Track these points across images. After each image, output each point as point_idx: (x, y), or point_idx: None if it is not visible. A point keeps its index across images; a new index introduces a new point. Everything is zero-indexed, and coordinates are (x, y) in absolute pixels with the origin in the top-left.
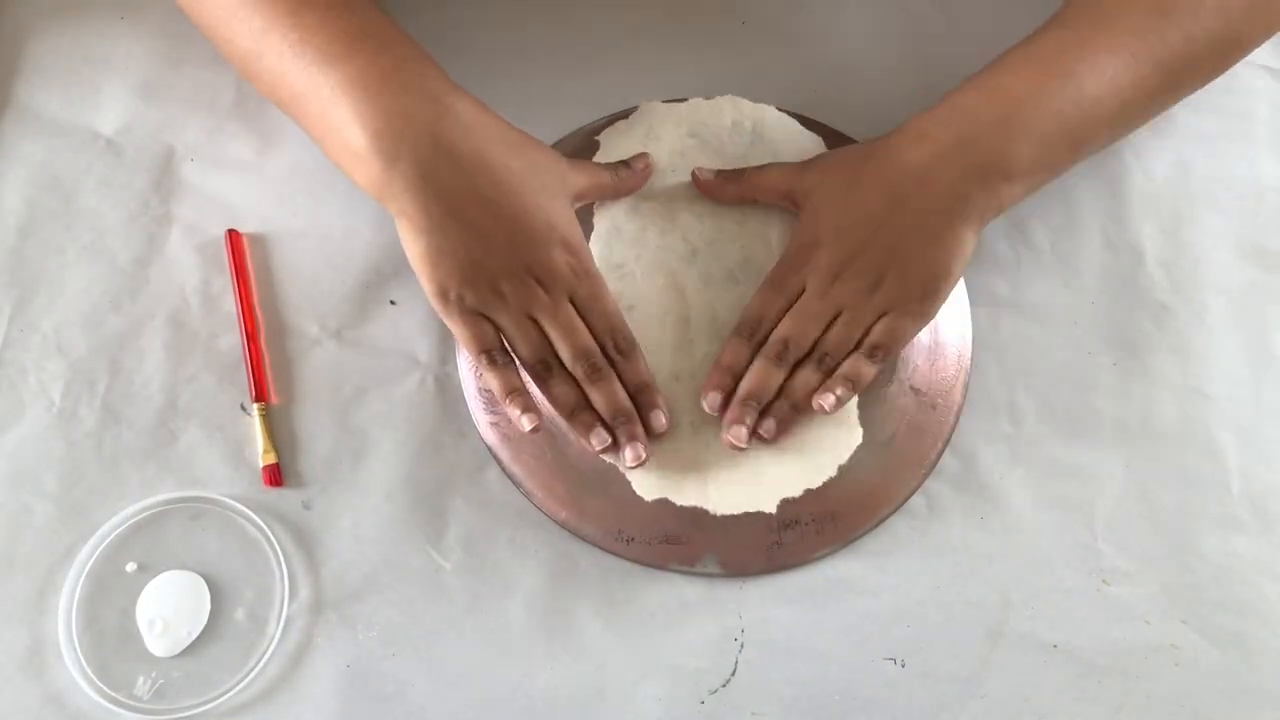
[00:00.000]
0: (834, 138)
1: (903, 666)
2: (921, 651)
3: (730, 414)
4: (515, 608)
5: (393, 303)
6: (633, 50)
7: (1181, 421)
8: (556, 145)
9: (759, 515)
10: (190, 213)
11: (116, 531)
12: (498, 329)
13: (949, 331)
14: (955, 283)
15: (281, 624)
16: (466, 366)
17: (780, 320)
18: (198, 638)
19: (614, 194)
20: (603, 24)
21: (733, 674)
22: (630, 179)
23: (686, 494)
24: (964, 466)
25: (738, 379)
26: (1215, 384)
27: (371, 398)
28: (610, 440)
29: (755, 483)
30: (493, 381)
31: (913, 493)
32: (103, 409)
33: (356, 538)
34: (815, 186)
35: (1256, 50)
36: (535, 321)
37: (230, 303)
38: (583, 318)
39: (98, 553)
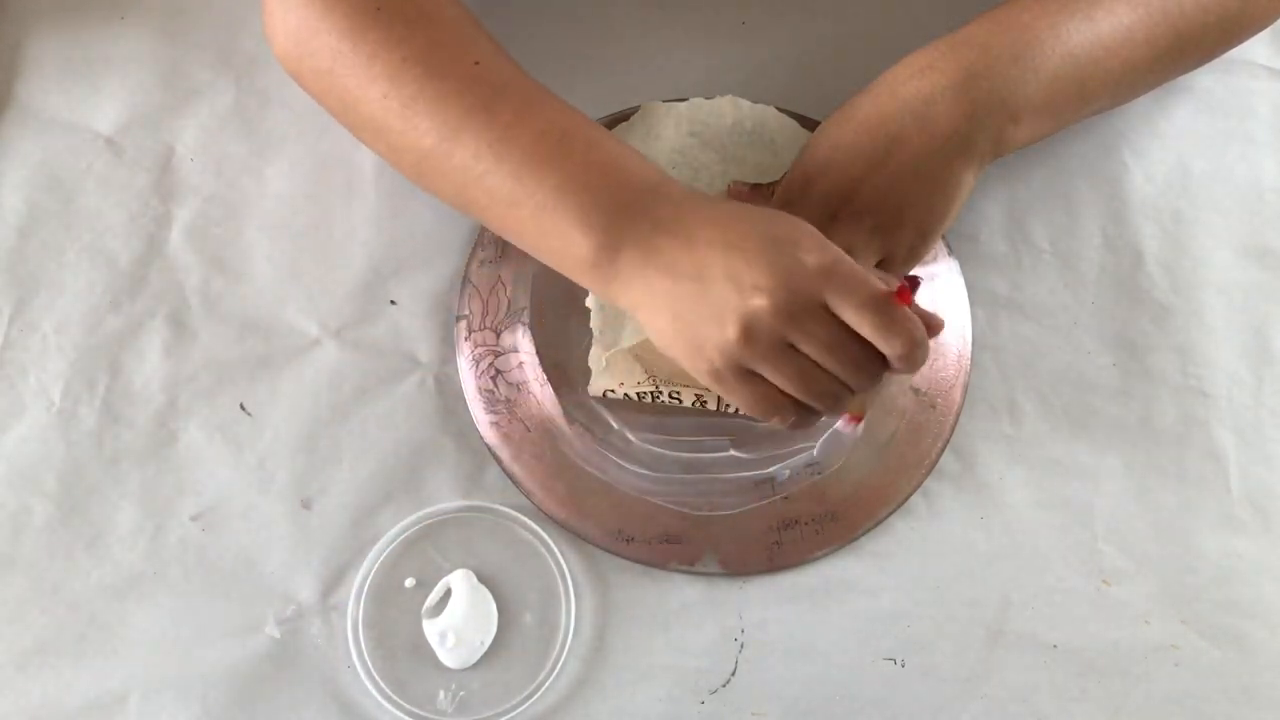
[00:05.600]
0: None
1: (903, 666)
2: (921, 651)
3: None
4: (516, 607)
5: (393, 303)
6: (632, 50)
7: (1181, 421)
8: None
9: (759, 514)
10: (190, 213)
11: (390, 548)
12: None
13: (948, 331)
14: (949, 225)
15: (573, 622)
16: (467, 366)
17: None
18: (490, 646)
19: None
20: (603, 24)
21: (733, 674)
22: None
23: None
24: (964, 466)
25: None
26: (1215, 384)
27: (371, 398)
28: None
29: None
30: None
31: (913, 492)
32: (103, 409)
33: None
34: (817, 132)
35: (1257, 50)
36: (794, 349)
37: (230, 302)
38: (850, 320)
39: (373, 571)
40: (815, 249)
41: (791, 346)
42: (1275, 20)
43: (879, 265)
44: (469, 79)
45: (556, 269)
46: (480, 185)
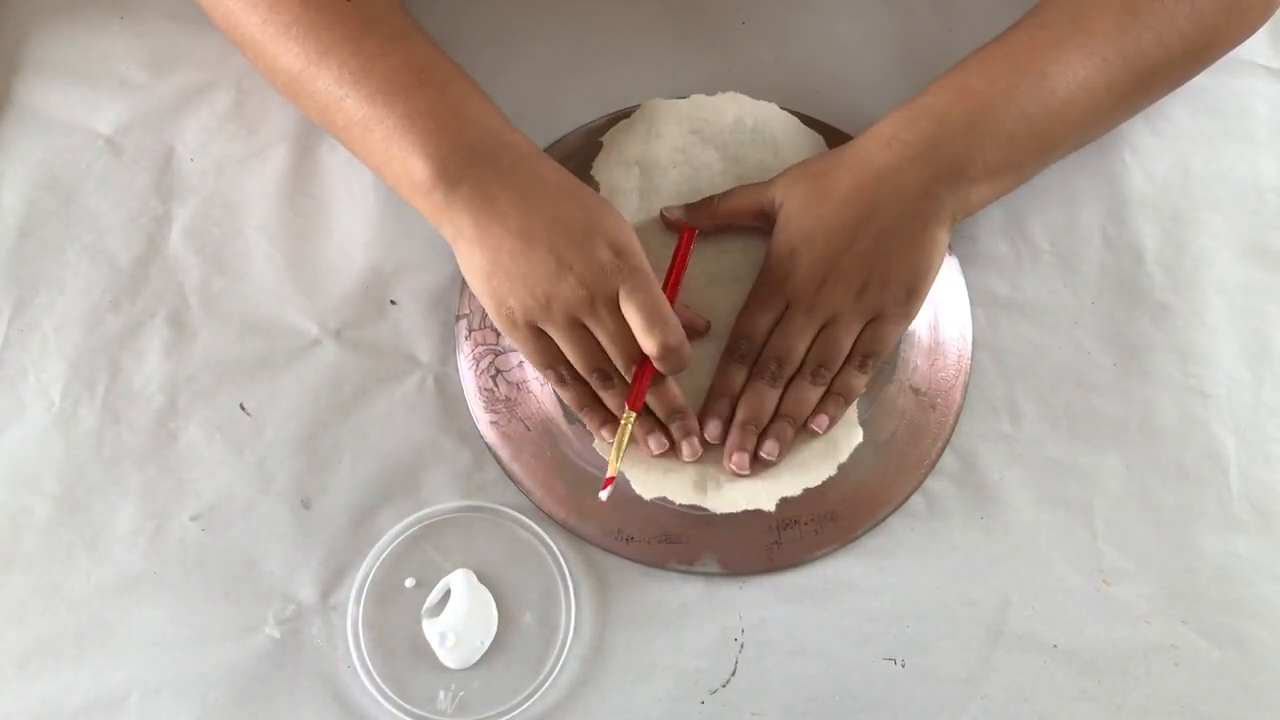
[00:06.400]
0: (834, 137)
1: (903, 666)
2: (921, 651)
3: (731, 440)
4: (516, 607)
5: (393, 303)
6: (633, 50)
7: (1181, 421)
8: (557, 144)
9: (758, 514)
10: (190, 213)
11: (390, 548)
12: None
13: (948, 331)
14: (934, 281)
15: (573, 622)
16: (466, 366)
17: (768, 337)
18: (490, 646)
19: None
20: (603, 24)
21: (733, 674)
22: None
23: (685, 493)
24: (964, 466)
25: (734, 402)
26: (1215, 384)
27: (371, 398)
28: (668, 444)
29: (754, 482)
30: (564, 398)
31: (912, 492)
32: (103, 409)
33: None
34: (786, 199)
35: (1257, 50)
36: (585, 327)
37: (230, 302)
38: (626, 313)
39: (373, 571)
40: (625, 246)
41: (582, 324)
42: (1244, 39)
43: (872, 324)
44: (340, 11)
45: (398, 193)
46: (339, 108)
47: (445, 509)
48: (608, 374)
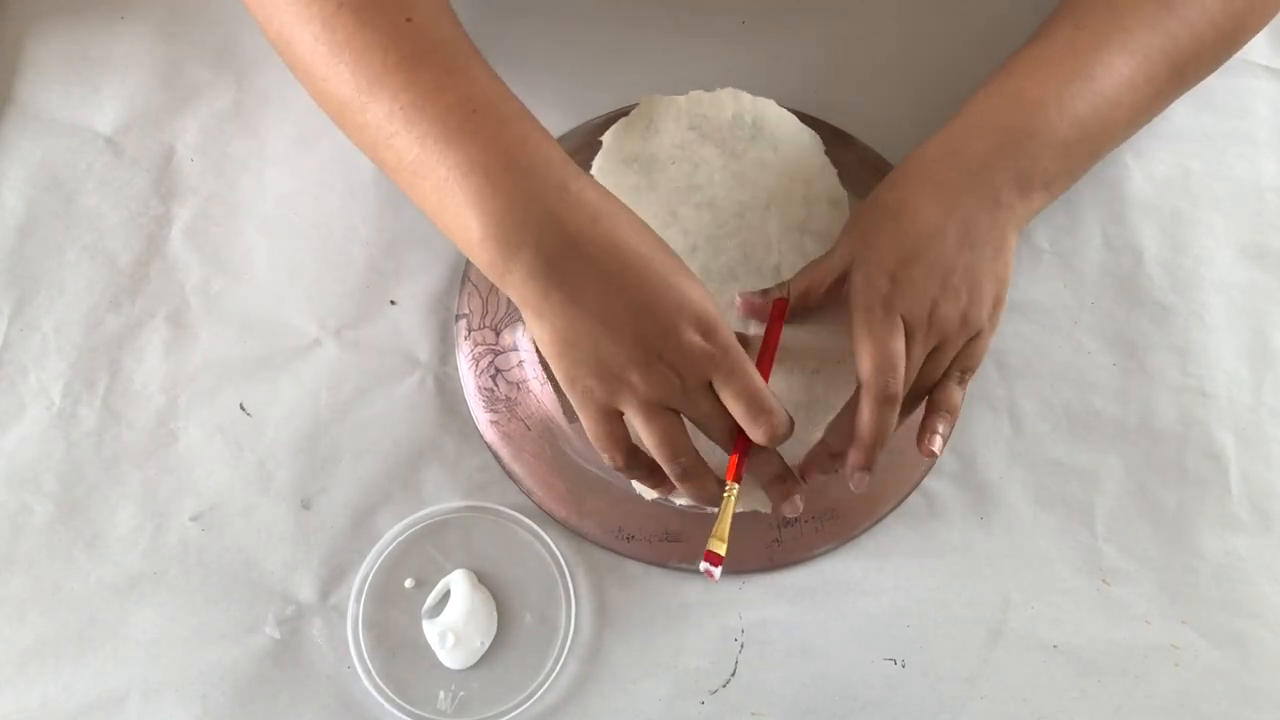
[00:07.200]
0: (833, 135)
1: (903, 666)
2: (921, 651)
3: (855, 462)
4: (516, 607)
5: (393, 303)
6: (633, 49)
7: (1181, 421)
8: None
9: (758, 512)
10: (190, 213)
11: (390, 548)
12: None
13: None
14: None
15: (573, 622)
16: (466, 366)
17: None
18: (490, 646)
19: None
20: (603, 23)
21: (733, 674)
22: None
23: (683, 495)
24: (964, 466)
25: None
26: (1215, 384)
27: (371, 398)
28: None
29: (752, 484)
30: (632, 478)
31: (912, 490)
32: (103, 409)
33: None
34: (859, 241)
35: (1256, 50)
36: (673, 411)
37: (230, 302)
38: (724, 399)
39: (374, 571)
40: (712, 325)
41: (664, 407)
42: (1269, 21)
43: (971, 343)
44: (397, 35)
45: (463, 251)
46: (389, 147)
47: (445, 509)
48: (686, 467)
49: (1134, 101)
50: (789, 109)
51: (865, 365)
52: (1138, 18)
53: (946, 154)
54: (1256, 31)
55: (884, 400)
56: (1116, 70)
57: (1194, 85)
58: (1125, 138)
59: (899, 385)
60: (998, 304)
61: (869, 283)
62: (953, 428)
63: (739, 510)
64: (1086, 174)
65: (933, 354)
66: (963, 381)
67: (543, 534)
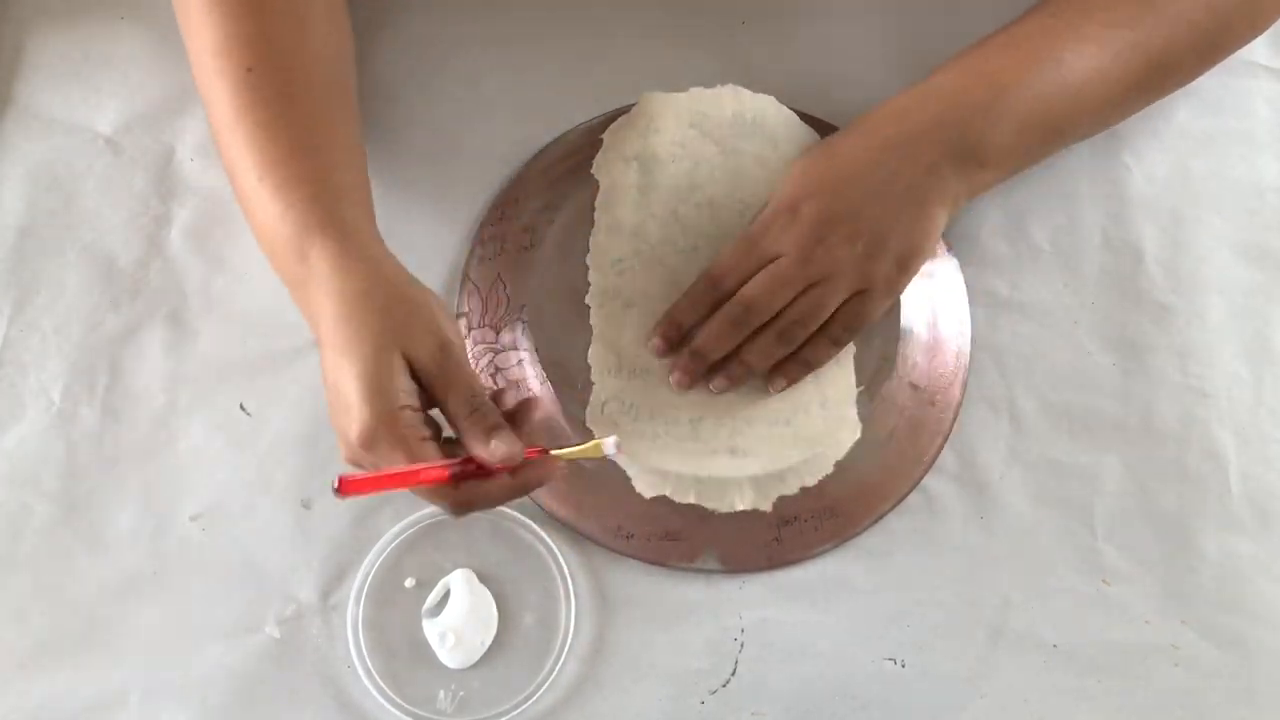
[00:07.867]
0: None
1: (903, 666)
2: (921, 651)
3: (678, 363)
4: (516, 607)
5: None
6: (633, 50)
7: (1181, 421)
8: (556, 143)
9: (758, 511)
10: (190, 213)
11: (390, 548)
12: None
13: (947, 327)
14: (925, 260)
15: (573, 622)
16: None
17: (747, 281)
18: (490, 646)
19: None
20: (603, 23)
21: (733, 674)
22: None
23: (685, 492)
24: (963, 467)
25: (685, 332)
26: (1215, 384)
27: None
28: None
29: (752, 482)
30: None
31: (912, 489)
32: (103, 409)
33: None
34: (787, 173)
35: (1257, 50)
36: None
37: (230, 302)
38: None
39: (373, 571)
40: (372, 446)
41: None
42: (1257, 34)
43: (856, 295)
44: (283, 109)
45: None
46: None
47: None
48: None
49: (1105, 93)
50: (789, 107)
51: (717, 258)
52: (1116, 12)
53: (894, 115)
54: (1248, 36)
55: (710, 283)
56: (1087, 59)
57: (1178, 85)
58: (1094, 129)
59: (721, 291)
60: (902, 269)
61: (772, 202)
62: (801, 378)
63: (736, 509)
64: (1086, 174)
65: (812, 292)
66: (837, 341)
67: (543, 534)
